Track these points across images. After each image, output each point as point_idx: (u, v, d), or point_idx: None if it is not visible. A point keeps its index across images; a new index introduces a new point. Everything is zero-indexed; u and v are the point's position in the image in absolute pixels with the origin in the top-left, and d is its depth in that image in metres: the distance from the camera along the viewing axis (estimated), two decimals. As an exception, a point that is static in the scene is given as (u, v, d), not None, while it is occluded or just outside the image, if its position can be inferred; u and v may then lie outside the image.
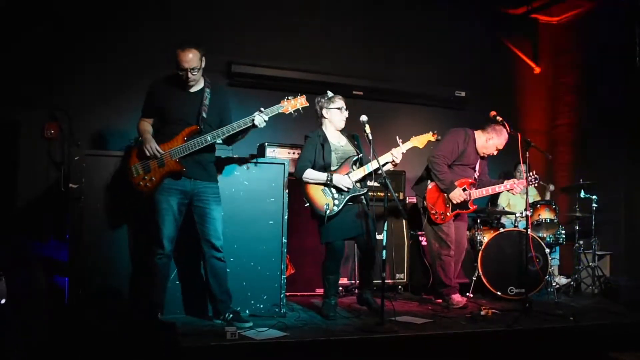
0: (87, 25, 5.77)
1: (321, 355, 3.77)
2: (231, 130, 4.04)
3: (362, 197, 4.59)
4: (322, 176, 4.47)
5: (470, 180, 5.24)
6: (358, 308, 4.88)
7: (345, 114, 4.63)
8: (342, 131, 4.69)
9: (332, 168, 4.55)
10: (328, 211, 4.43)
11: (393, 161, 4.57)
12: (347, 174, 4.51)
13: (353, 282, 5.72)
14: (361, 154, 4.41)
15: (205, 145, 4.02)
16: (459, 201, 5.13)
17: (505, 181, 5.29)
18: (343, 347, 3.84)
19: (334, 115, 4.61)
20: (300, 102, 4.18)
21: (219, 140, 4.10)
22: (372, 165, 4.47)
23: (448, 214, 5.18)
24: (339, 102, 4.63)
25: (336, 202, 4.47)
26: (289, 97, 4.16)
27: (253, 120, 4.04)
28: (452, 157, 5.19)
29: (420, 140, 4.70)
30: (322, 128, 4.68)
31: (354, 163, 4.57)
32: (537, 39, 7.81)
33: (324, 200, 4.47)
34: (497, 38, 7.57)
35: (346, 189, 4.45)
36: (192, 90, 4.10)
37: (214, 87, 4.19)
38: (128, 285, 4.31)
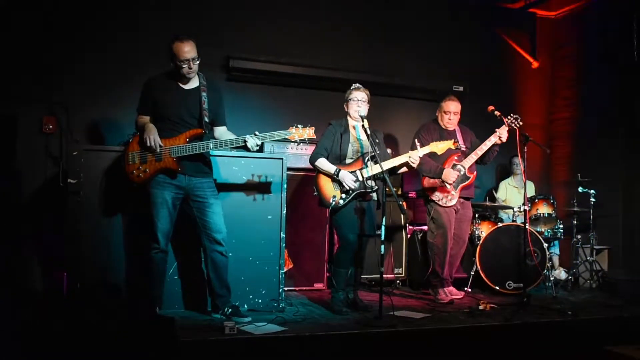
0: (85, 18, 5.74)
1: (320, 349, 3.78)
2: (229, 145, 4.05)
3: (373, 194, 4.59)
4: (331, 169, 4.50)
5: (457, 154, 5.26)
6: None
7: (362, 107, 4.59)
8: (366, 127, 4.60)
9: (347, 161, 4.57)
10: (334, 203, 4.45)
11: (410, 163, 4.60)
12: (360, 169, 4.50)
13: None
14: (378, 152, 4.38)
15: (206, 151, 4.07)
16: (454, 180, 5.15)
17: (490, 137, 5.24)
18: (341, 341, 3.85)
19: (350, 106, 4.67)
20: (309, 133, 4.17)
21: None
22: (385, 165, 4.45)
23: (453, 192, 5.20)
24: (355, 93, 4.65)
25: (343, 195, 4.48)
26: (298, 126, 4.15)
27: (245, 142, 4.04)
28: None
29: (439, 147, 4.70)
30: (346, 118, 4.72)
31: (369, 160, 4.54)
32: (535, 33, 7.79)
33: (332, 191, 4.50)
34: (495, 32, 7.55)
35: (348, 188, 4.45)
36: (187, 87, 4.10)
37: (209, 84, 4.17)
38: (126, 279, 4.31)
